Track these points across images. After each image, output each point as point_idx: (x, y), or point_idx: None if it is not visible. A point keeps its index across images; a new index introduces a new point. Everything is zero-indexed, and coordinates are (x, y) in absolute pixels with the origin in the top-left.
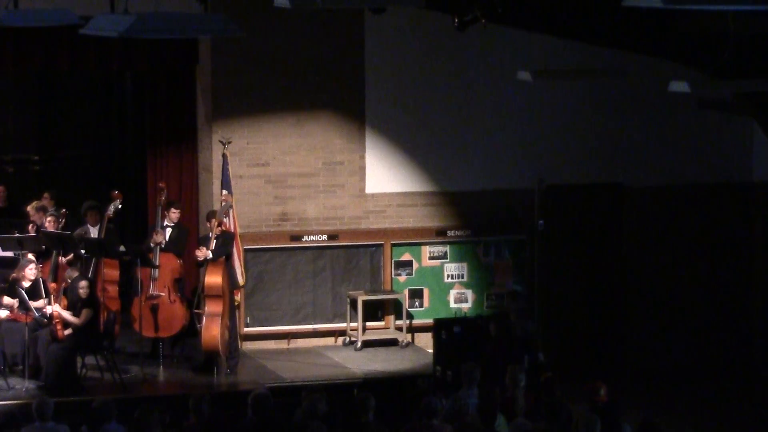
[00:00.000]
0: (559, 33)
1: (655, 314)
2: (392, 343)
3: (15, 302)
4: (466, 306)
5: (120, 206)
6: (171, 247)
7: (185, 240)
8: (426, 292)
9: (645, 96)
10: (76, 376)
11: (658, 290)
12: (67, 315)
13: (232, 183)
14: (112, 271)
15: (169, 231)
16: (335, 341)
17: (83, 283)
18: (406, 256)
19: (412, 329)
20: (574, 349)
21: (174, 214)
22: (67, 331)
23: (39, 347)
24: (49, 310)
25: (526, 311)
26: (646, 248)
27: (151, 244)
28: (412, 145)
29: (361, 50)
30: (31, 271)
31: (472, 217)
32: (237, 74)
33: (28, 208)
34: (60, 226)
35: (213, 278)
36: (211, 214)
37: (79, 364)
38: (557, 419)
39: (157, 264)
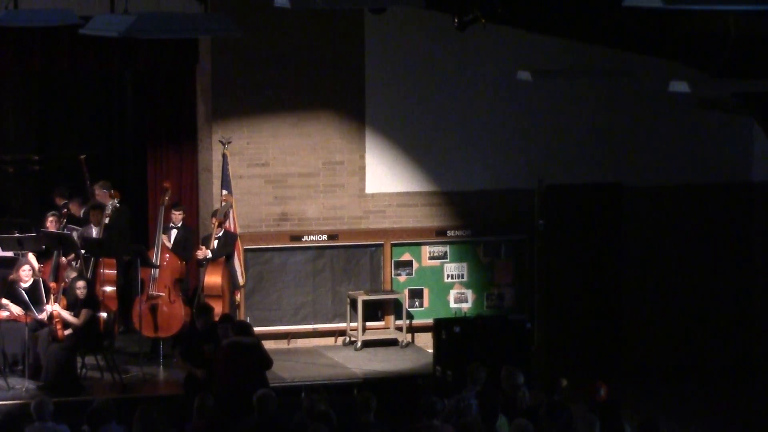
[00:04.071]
0: (559, 33)
1: (655, 314)
2: (392, 343)
3: (12, 305)
4: (466, 306)
5: (118, 205)
6: (176, 248)
7: (192, 241)
8: (426, 292)
9: (645, 96)
10: (76, 376)
11: (658, 290)
12: (66, 315)
13: (232, 183)
14: (110, 271)
15: (174, 233)
16: (335, 341)
17: (80, 284)
18: (406, 256)
19: (412, 329)
20: (574, 349)
21: (175, 215)
22: (67, 331)
23: (39, 347)
24: (49, 309)
25: (523, 310)
26: (646, 248)
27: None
28: (412, 145)
29: (361, 50)
30: (24, 273)
31: (472, 217)
32: (237, 74)
33: (95, 187)
34: (62, 225)
35: (213, 278)
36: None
37: (79, 364)
38: (557, 419)
39: (158, 264)
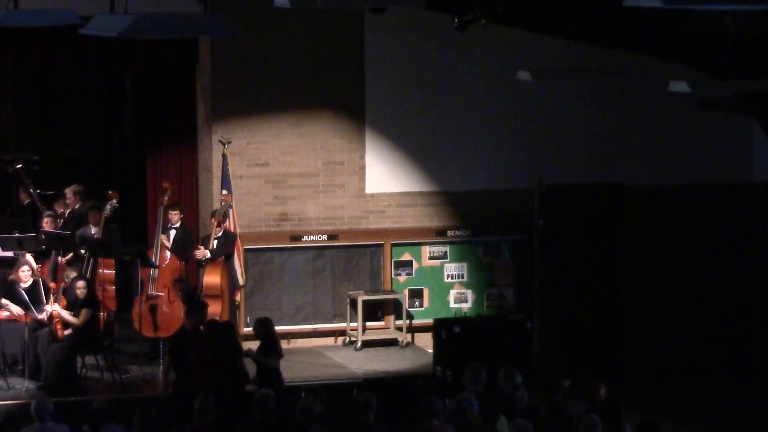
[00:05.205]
0: (559, 33)
1: (655, 314)
2: (392, 343)
3: (12, 305)
4: (466, 306)
5: (117, 205)
6: (176, 248)
7: (191, 241)
8: (426, 292)
9: (645, 96)
10: (76, 376)
11: (658, 290)
12: (66, 315)
13: (232, 183)
14: (108, 271)
15: (173, 233)
16: (335, 341)
17: (80, 284)
18: (406, 256)
19: (412, 329)
20: (574, 349)
21: (172, 215)
22: (67, 331)
23: (39, 347)
24: (49, 309)
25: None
26: (646, 248)
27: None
28: (412, 145)
29: (361, 50)
30: (24, 273)
31: (472, 217)
32: (237, 74)
33: (66, 191)
34: (57, 226)
35: (211, 278)
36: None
37: (79, 364)
38: (557, 419)
39: (157, 264)
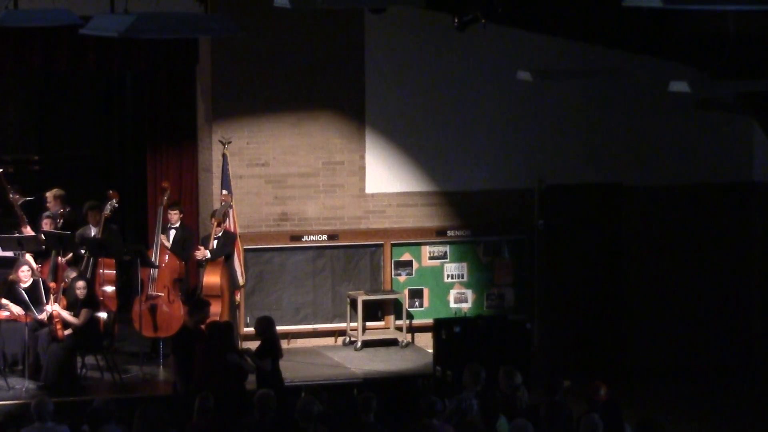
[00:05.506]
0: (559, 33)
1: (654, 314)
2: (392, 343)
3: (12, 305)
4: (466, 306)
5: (117, 205)
6: (175, 248)
7: (191, 241)
8: (426, 292)
9: (645, 96)
10: (76, 376)
11: (658, 290)
12: (66, 315)
13: (232, 183)
14: (109, 271)
15: (173, 233)
16: (335, 341)
17: (81, 284)
18: (406, 256)
19: (412, 329)
20: (574, 349)
21: (171, 215)
22: (67, 331)
23: (39, 347)
24: (49, 309)
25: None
26: (646, 248)
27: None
28: (412, 145)
29: (361, 50)
30: (24, 273)
31: (472, 217)
32: (237, 74)
33: (47, 195)
34: (58, 226)
35: (211, 278)
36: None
37: (79, 364)
38: (557, 419)
39: (157, 264)
